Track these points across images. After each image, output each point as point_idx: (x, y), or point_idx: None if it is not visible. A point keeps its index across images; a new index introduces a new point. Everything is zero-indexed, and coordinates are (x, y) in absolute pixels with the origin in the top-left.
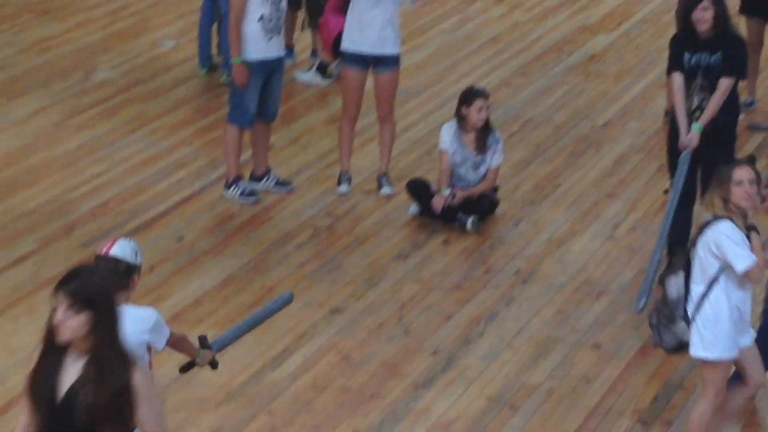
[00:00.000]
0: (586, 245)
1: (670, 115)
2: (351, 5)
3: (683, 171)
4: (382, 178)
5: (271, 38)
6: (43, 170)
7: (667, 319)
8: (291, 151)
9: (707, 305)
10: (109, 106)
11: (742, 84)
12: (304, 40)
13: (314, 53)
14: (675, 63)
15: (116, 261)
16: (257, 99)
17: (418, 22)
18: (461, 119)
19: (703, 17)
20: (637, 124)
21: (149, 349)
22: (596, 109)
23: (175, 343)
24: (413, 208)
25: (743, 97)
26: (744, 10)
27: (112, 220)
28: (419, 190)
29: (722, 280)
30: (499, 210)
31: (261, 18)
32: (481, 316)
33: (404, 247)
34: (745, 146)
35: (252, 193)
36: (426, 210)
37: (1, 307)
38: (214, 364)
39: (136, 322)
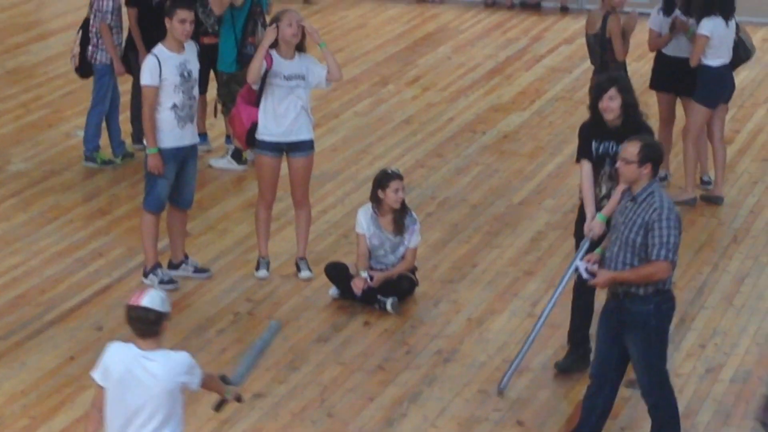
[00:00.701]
0: (505, 323)
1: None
2: (263, 97)
3: (578, 255)
4: (300, 262)
5: (184, 126)
6: None
7: None
8: (208, 238)
9: None
10: (25, 198)
11: None
12: (218, 126)
13: (228, 139)
14: (583, 150)
15: (146, 310)
16: (170, 186)
17: (331, 105)
18: (377, 202)
19: (610, 106)
20: (553, 202)
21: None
22: (511, 188)
23: (207, 382)
24: (333, 291)
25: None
26: (653, 85)
27: (30, 312)
28: (338, 273)
29: None
30: (418, 290)
31: (174, 106)
32: (404, 396)
33: (325, 330)
34: None
35: (170, 281)
36: (345, 292)
37: None
38: (239, 399)
39: (173, 366)
